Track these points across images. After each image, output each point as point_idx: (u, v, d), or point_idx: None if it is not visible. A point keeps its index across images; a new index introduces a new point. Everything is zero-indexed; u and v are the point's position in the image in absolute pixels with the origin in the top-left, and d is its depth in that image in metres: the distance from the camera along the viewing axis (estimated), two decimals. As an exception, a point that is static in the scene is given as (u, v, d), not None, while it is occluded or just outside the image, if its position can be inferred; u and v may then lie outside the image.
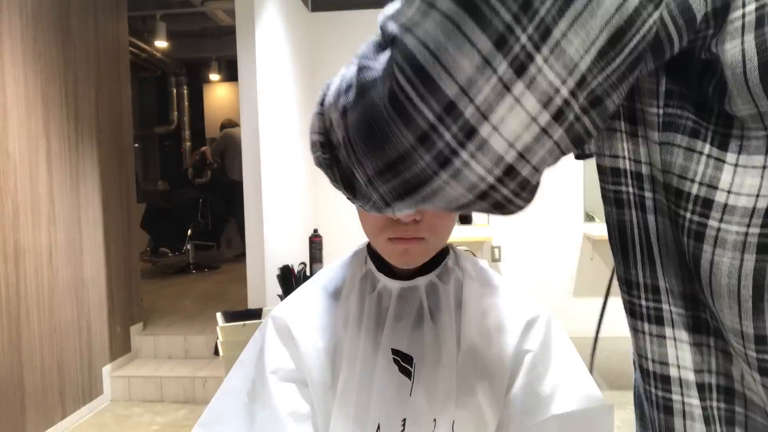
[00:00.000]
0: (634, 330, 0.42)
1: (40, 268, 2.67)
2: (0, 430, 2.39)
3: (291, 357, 0.76)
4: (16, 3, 2.53)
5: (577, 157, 0.52)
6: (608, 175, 0.41)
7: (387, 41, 0.34)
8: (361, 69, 0.36)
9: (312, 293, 0.82)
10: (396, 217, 0.67)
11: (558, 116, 0.33)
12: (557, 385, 0.73)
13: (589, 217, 4.17)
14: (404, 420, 0.71)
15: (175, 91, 7.49)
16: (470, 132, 0.32)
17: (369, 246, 0.80)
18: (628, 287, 0.41)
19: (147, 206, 5.50)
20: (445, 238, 0.77)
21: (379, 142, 0.34)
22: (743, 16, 0.32)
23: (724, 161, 0.35)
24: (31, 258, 2.60)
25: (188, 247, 5.76)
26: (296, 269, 2.59)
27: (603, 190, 0.41)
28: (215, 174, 6.34)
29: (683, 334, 0.39)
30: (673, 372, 0.40)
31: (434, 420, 0.70)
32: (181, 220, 5.69)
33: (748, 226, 0.34)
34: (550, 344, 0.76)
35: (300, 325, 0.78)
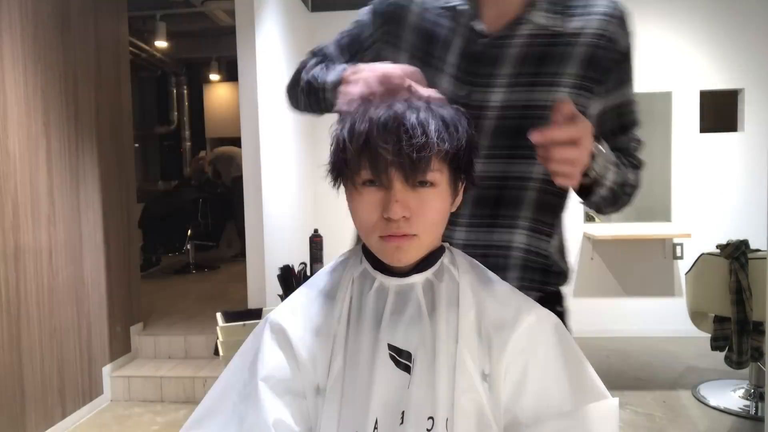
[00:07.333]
0: None
1: (40, 268, 2.67)
2: (0, 430, 2.39)
3: (287, 362, 0.76)
4: (16, 3, 2.53)
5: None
6: None
7: None
8: None
9: (308, 296, 0.82)
10: (386, 215, 0.69)
11: None
12: (560, 380, 0.73)
13: (589, 217, 4.17)
14: (403, 413, 0.71)
15: (175, 91, 7.50)
16: None
17: (364, 246, 0.81)
18: None
19: (143, 209, 5.48)
20: (437, 235, 0.77)
21: None
22: None
23: None
24: (31, 258, 2.60)
25: (188, 247, 5.76)
26: (296, 269, 2.59)
27: None
28: (214, 177, 6.36)
29: None
30: None
31: (432, 415, 0.70)
32: (180, 222, 5.67)
33: None
34: (550, 339, 0.75)
35: (296, 328, 0.78)
